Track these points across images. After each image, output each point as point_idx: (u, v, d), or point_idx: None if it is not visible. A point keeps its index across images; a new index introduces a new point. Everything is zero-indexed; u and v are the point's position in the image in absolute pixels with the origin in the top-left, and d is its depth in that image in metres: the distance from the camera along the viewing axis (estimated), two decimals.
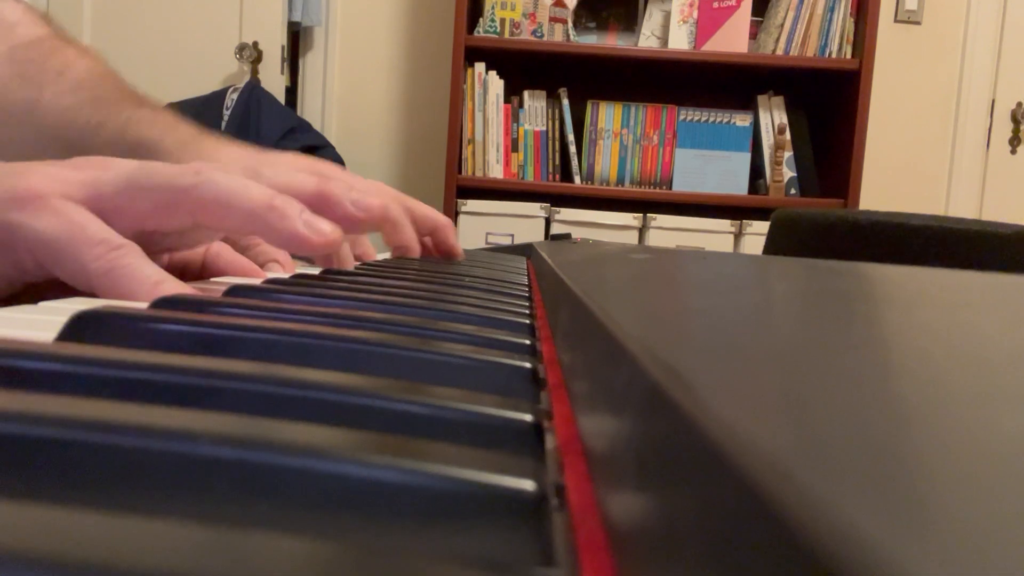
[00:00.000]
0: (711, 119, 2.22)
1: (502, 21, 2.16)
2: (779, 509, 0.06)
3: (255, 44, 2.32)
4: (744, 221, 2.15)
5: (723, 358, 0.13)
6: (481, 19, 2.17)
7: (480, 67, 2.19)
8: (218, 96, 2.18)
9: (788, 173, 2.22)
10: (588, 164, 2.25)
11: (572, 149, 2.24)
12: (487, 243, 2.13)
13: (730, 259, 0.64)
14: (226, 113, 2.14)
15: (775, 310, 0.24)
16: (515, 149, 2.23)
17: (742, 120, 2.22)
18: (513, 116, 2.22)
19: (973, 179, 2.46)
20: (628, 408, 0.12)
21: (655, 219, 2.14)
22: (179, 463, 0.11)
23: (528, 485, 0.11)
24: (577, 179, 2.23)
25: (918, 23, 2.43)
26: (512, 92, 2.23)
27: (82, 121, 0.55)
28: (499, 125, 2.21)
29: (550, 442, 0.15)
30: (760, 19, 2.22)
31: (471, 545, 0.11)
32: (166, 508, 0.11)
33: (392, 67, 2.45)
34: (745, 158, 2.22)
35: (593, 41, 2.29)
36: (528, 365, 0.20)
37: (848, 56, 2.14)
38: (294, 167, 0.51)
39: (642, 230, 2.16)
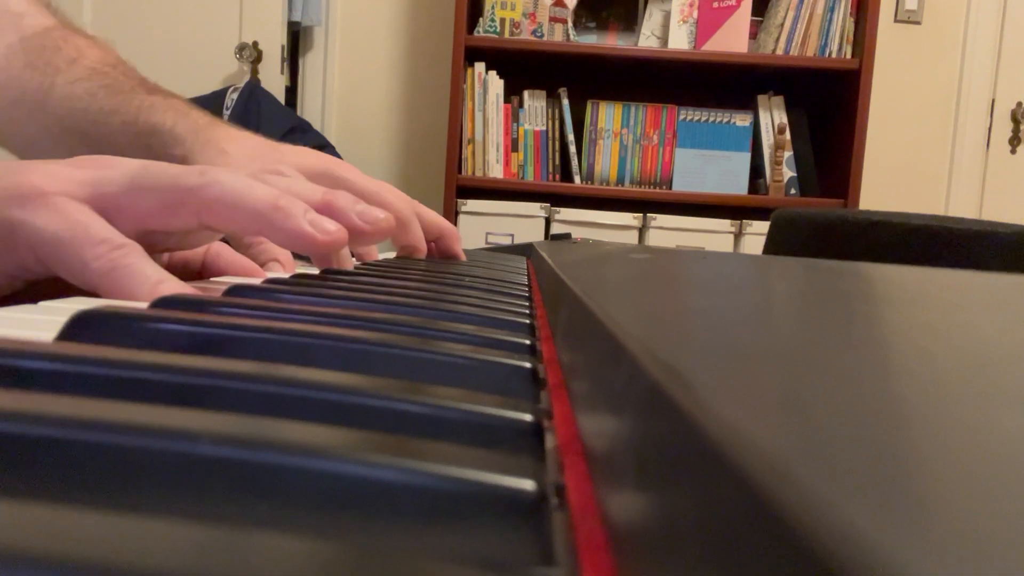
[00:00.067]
0: (711, 119, 2.22)
1: (502, 21, 2.16)
2: (779, 509, 0.06)
3: (255, 44, 2.32)
4: (744, 221, 2.15)
5: (723, 358, 0.13)
6: (481, 19, 2.17)
7: (480, 67, 2.19)
8: (218, 96, 2.18)
9: (788, 173, 2.22)
10: (588, 164, 2.25)
11: (572, 149, 2.24)
12: (487, 243, 2.13)
13: (730, 259, 0.64)
14: (226, 113, 2.14)
15: (775, 310, 0.24)
16: (515, 149, 2.23)
17: (742, 120, 2.22)
18: (513, 116, 2.22)
19: (973, 179, 2.46)
20: (628, 408, 0.12)
21: (655, 219, 2.14)
22: (179, 463, 0.11)
23: (528, 485, 0.11)
24: (577, 179, 2.23)
25: (918, 23, 2.43)
26: (512, 92, 2.23)
27: (95, 108, 0.55)
28: (499, 125, 2.21)
29: (550, 442, 0.15)
30: (760, 19, 2.22)
31: (471, 545, 0.11)
32: (166, 508, 0.11)
33: (392, 67, 2.45)
34: (745, 158, 2.22)
35: (593, 41, 2.29)
36: (528, 365, 0.20)
37: (848, 56, 2.14)
38: (304, 163, 0.51)
39: (642, 230, 2.16)
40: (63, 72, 0.56)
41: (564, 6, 2.17)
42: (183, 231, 0.33)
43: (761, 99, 2.25)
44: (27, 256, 0.29)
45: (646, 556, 0.09)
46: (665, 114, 2.23)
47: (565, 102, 2.23)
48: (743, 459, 0.07)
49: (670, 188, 2.23)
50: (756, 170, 2.24)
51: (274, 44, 2.33)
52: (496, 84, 2.20)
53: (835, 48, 2.14)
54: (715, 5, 2.16)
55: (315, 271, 0.41)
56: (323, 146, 2.21)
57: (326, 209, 0.34)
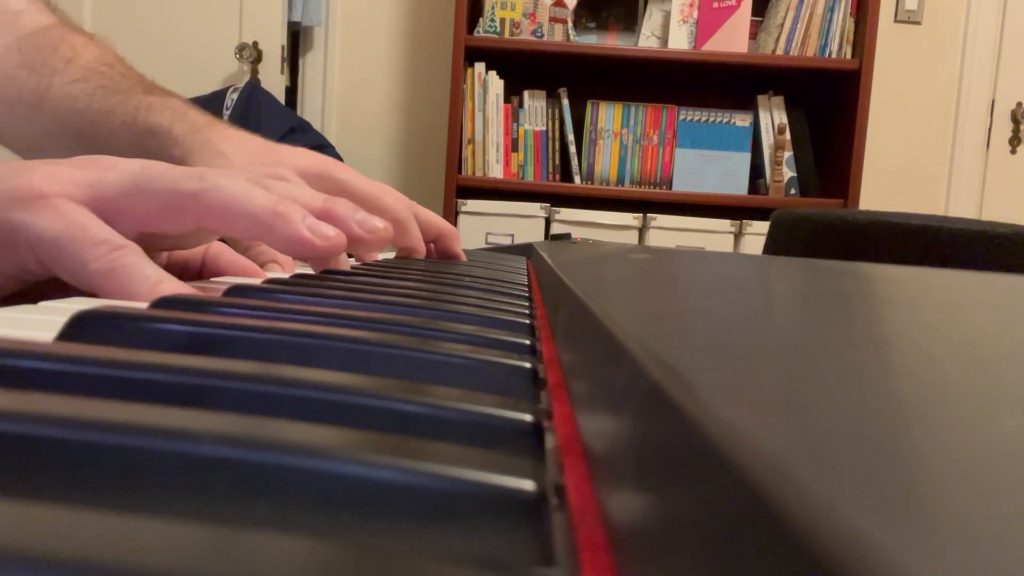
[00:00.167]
0: (711, 119, 2.22)
1: (502, 21, 2.16)
2: (779, 509, 0.06)
3: (255, 44, 2.32)
4: (744, 221, 2.15)
5: (723, 358, 0.13)
6: (481, 19, 2.17)
7: (480, 67, 2.19)
8: (218, 96, 2.18)
9: (788, 173, 2.22)
10: (588, 164, 2.25)
11: (572, 149, 2.24)
12: (487, 243, 2.13)
13: (730, 259, 0.64)
14: (226, 113, 2.14)
15: (775, 310, 0.24)
16: (515, 149, 2.23)
17: (742, 120, 2.22)
18: (513, 116, 2.22)
19: (973, 179, 2.46)
20: (628, 408, 0.12)
21: (655, 219, 2.14)
22: (179, 463, 0.11)
23: (528, 485, 0.11)
24: (577, 179, 2.23)
25: (918, 23, 2.43)
26: (512, 92, 2.23)
27: (92, 109, 0.55)
28: (499, 125, 2.21)
29: (550, 442, 0.15)
30: (760, 19, 2.22)
31: (471, 545, 0.11)
32: (166, 508, 0.11)
33: (392, 67, 2.45)
34: (745, 158, 2.22)
35: (593, 41, 2.29)
36: (528, 365, 0.20)
37: (848, 56, 2.14)
38: (302, 164, 0.51)
39: (642, 230, 2.16)
40: (60, 72, 0.56)
41: (564, 6, 2.17)
42: (182, 234, 0.33)
43: (761, 99, 2.25)
44: (27, 257, 0.29)
45: (646, 556, 0.09)
46: (665, 114, 2.23)
47: (565, 102, 2.23)
48: (743, 459, 0.07)
49: (670, 188, 2.23)
50: (756, 170, 2.24)
51: (274, 44, 2.33)
52: (496, 84, 2.20)
53: (835, 48, 2.14)
54: (715, 5, 2.16)
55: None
56: (323, 146, 2.21)
57: (326, 217, 0.34)
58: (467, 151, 2.20)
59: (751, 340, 0.16)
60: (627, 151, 2.25)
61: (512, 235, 2.12)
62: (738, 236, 2.17)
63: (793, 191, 2.22)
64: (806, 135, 2.27)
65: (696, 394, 0.10)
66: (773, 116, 2.24)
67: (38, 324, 0.22)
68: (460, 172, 2.17)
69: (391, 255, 0.61)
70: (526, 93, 2.23)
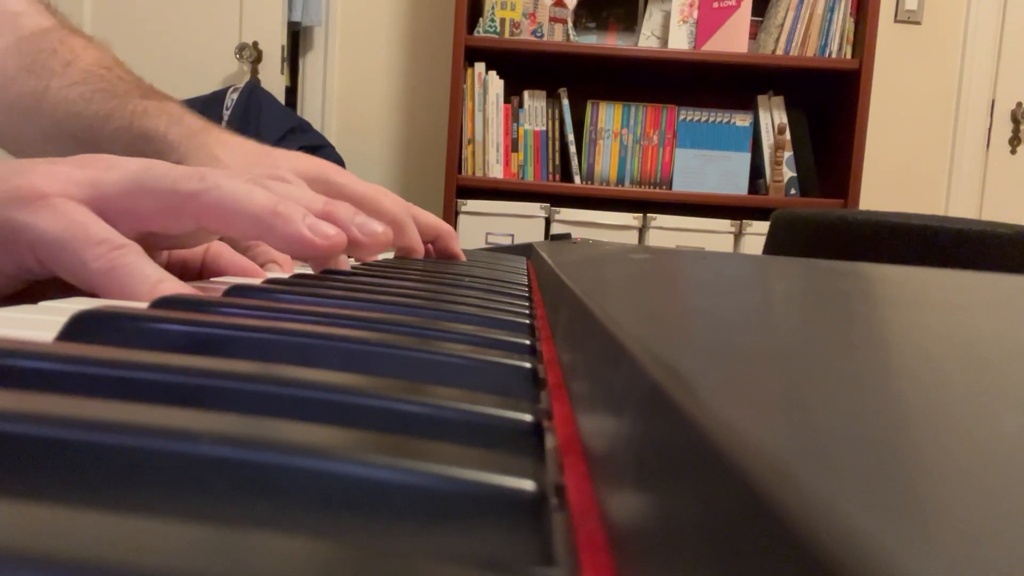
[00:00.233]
0: (711, 119, 2.22)
1: (502, 21, 2.16)
2: (779, 509, 0.06)
3: (255, 44, 2.32)
4: (744, 221, 2.15)
5: (723, 358, 0.13)
6: (481, 19, 2.17)
7: (480, 67, 2.19)
8: (218, 96, 2.18)
9: (788, 173, 2.22)
10: (588, 164, 2.25)
11: (572, 149, 2.24)
12: (487, 243, 2.13)
13: (730, 259, 0.64)
14: (226, 113, 2.14)
15: (775, 310, 0.24)
16: (515, 149, 2.23)
17: (742, 120, 2.22)
18: (513, 116, 2.22)
19: (973, 179, 2.46)
20: (628, 408, 0.12)
21: (655, 219, 2.14)
22: (179, 463, 0.11)
23: (528, 485, 0.11)
24: (577, 179, 2.23)
25: (918, 23, 2.43)
26: (512, 92, 2.23)
27: (89, 113, 0.55)
28: (499, 125, 2.21)
29: (550, 442, 0.15)
30: (760, 19, 2.22)
31: (471, 545, 0.11)
32: (166, 508, 0.11)
33: (392, 67, 2.45)
34: (745, 158, 2.22)
35: (593, 41, 2.29)
36: (528, 365, 0.20)
37: (848, 56, 2.14)
38: (298, 167, 0.51)
39: (642, 230, 2.16)
40: (58, 76, 0.56)
41: (564, 6, 2.17)
42: (182, 234, 0.33)
43: (761, 99, 2.25)
44: (27, 256, 0.29)
45: (646, 556, 0.09)
46: (665, 114, 2.23)
47: (565, 102, 2.23)
48: (743, 459, 0.07)
49: (670, 188, 2.23)
50: (756, 170, 2.24)
51: (274, 44, 2.33)
52: (496, 84, 2.20)
53: (835, 48, 2.14)
54: (715, 5, 2.16)
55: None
56: (323, 146, 2.21)
57: (326, 219, 0.34)
58: (467, 151, 2.20)
59: (751, 340, 0.16)
60: (627, 151, 2.25)
61: (512, 235, 2.12)
62: (738, 236, 2.17)
63: (793, 191, 2.22)
64: (806, 135, 2.27)
65: (696, 394, 0.10)
66: (773, 116, 2.24)
67: (38, 324, 0.22)
68: (460, 172, 2.17)
69: (390, 255, 0.61)
70: (526, 93, 2.23)
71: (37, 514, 0.08)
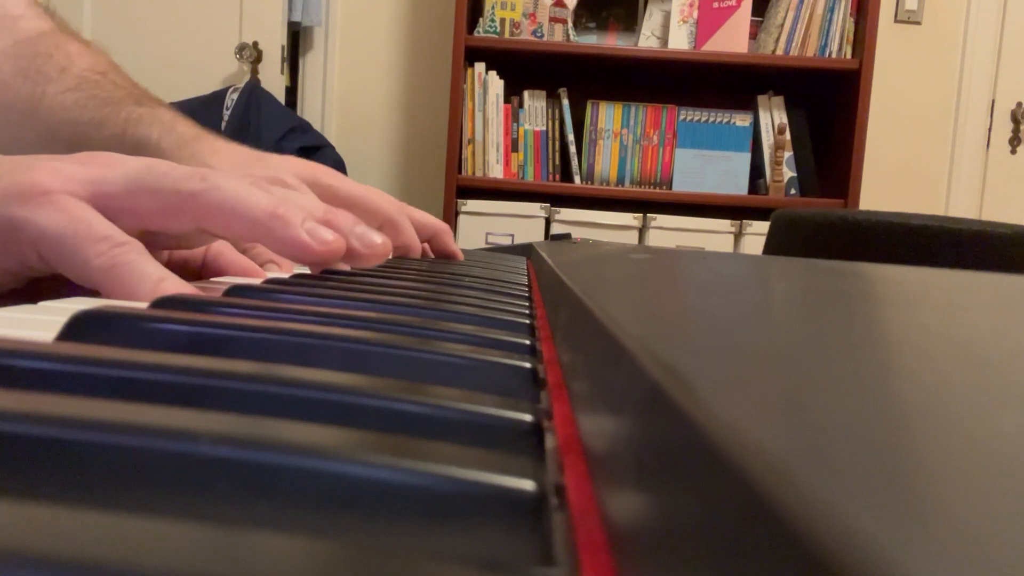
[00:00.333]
0: (711, 119, 2.22)
1: (502, 21, 2.16)
2: (779, 509, 0.06)
3: (255, 44, 2.32)
4: (744, 221, 2.15)
5: (723, 358, 0.13)
6: (481, 19, 2.17)
7: (480, 67, 2.19)
8: (218, 96, 2.18)
9: (788, 173, 2.22)
10: (588, 164, 2.25)
11: (572, 149, 2.24)
12: (487, 243, 2.13)
13: (730, 259, 0.64)
14: (226, 113, 2.14)
15: (775, 310, 0.24)
16: (515, 149, 2.23)
17: (742, 120, 2.22)
18: (513, 116, 2.22)
19: (973, 179, 2.46)
20: (628, 408, 0.12)
21: (655, 219, 2.14)
22: (179, 463, 0.11)
23: (528, 485, 0.11)
24: (577, 179, 2.23)
25: (918, 23, 2.43)
26: (512, 92, 2.23)
27: (83, 120, 0.55)
28: (499, 125, 2.21)
29: (550, 442, 0.15)
30: (760, 19, 2.22)
31: (471, 545, 0.11)
32: (166, 508, 0.11)
33: (392, 67, 2.45)
34: (745, 158, 2.22)
35: (593, 41, 2.29)
36: (528, 365, 0.20)
37: (848, 56, 2.14)
38: (292, 171, 0.51)
39: (642, 230, 2.16)
40: (54, 81, 0.56)
41: (564, 6, 2.17)
42: (182, 233, 0.33)
43: (761, 99, 2.25)
44: (29, 253, 0.29)
45: (646, 556, 0.09)
46: (665, 114, 2.23)
47: (565, 102, 2.23)
48: (743, 459, 0.07)
49: (670, 188, 2.23)
50: (756, 170, 2.24)
51: (274, 44, 2.33)
52: (496, 84, 2.20)
53: (835, 48, 2.14)
54: (715, 5, 2.16)
55: None
56: (323, 146, 2.21)
57: (326, 226, 0.34)
58: (467, 151, 2.20)
59: (751, 340, 0.16)
60: (627, 151, 2.24)
61: (512, 235, 2.12)
62: (738, 236, 2.17)
63: (793, 191, 2.22)
64: (806, 135, 2.27)
65: (696, 394, 0.10)
66: (773, 116, 2.24)
67: (38, 324, 0.22)
68: (460, 172, 2.17)
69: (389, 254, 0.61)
70: (526, 93, 2.23)
71: (37, 514, 0.08)
